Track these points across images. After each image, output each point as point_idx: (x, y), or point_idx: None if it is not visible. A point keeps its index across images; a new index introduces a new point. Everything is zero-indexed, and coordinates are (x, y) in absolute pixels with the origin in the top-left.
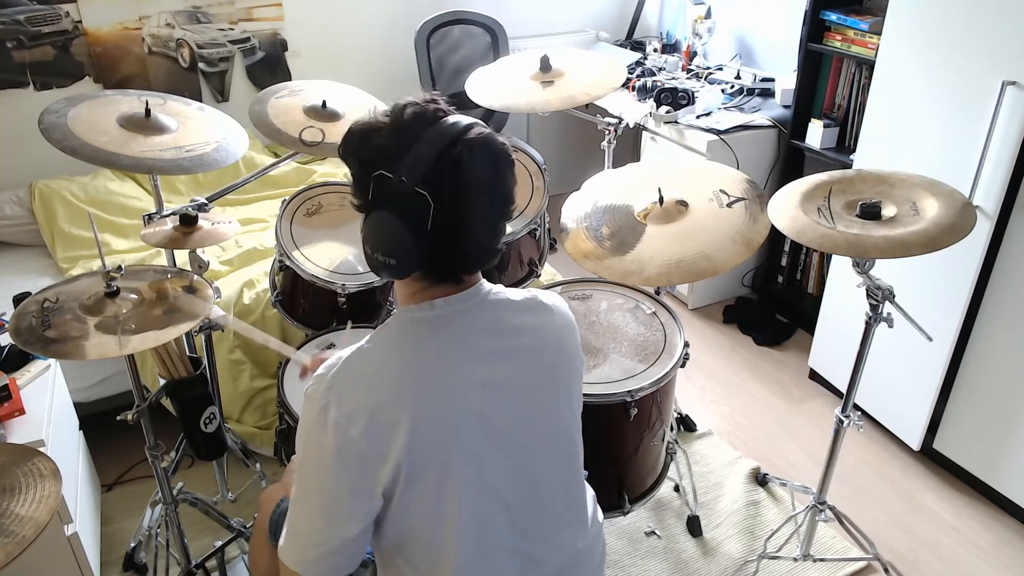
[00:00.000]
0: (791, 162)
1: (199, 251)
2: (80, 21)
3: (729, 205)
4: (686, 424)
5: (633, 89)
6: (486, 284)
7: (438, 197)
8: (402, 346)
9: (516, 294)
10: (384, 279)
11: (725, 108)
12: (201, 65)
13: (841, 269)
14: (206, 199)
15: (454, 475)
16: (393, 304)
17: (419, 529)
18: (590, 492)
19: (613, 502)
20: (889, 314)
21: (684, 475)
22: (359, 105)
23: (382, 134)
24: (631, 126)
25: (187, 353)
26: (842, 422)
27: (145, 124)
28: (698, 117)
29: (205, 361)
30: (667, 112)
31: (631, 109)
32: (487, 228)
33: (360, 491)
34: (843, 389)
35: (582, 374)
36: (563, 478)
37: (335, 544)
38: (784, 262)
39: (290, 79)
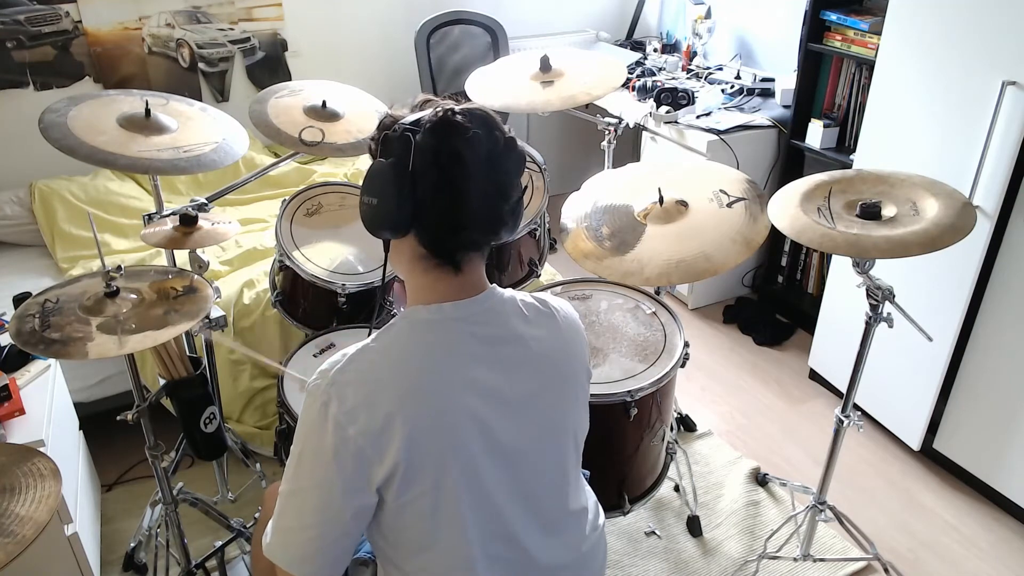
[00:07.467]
0: (791, 162)
1: (199, 251)
2: (80, 21)
3: (729, 205)
4: (686, 424)
5: (633, 89)
6: (498, 291)
7: (424, 148)
8: (407, 347)
9: (525, 301)
10: (380, 236)
11: (725, 108)
12: (201, 65)
13: (841, 269)
14: (206, 199)
15: (450, 480)
16: (393, 304)
17: (414, 532)
18: (591, 496)
19: (613, 502)
20: (889, 314)
21: (684, 475)
22: (359, 105)
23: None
24: (631, 126)
25: (187, 353)
26: (842, 422)
27: (145, 124)
28: (698, 117)
29: (205, 361)
30: (667, 112)
31: (631, 109)
32: (475, 201)
33: (354, 490)
34: (843, 389)
35: (590, 374)
36: (562, 486)
37: (324, 542)
38: (784, 262)
39: (290, 79)
